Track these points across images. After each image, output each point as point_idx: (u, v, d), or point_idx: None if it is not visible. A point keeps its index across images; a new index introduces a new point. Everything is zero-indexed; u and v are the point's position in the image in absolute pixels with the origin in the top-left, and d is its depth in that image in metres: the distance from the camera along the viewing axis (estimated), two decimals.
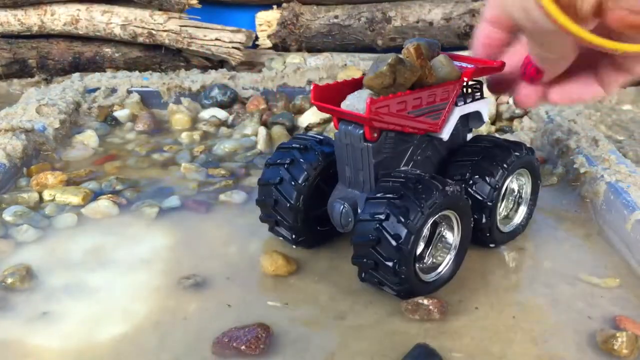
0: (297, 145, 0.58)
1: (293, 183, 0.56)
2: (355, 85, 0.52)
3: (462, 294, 0.54)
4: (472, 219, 0.55)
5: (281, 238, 0.61)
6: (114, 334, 0.49)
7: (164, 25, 1.14)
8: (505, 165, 0.57)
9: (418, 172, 0.53)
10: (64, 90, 0.98)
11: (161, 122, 0.97)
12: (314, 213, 0.58)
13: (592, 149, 0.75)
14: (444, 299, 0.52)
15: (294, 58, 1.22)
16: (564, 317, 0.52)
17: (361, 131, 0.50)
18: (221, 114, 0.98)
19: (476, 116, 0.58)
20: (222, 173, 0.78)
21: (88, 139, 0.88)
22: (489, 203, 0.57)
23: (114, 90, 1.00)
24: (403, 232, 0.48)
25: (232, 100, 1.00)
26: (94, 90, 1.00)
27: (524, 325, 0.51)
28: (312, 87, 0.50)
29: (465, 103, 0.56)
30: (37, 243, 0.62)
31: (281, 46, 1.26)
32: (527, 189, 0.63)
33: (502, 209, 0.61)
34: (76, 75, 1.08)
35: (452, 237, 0.54)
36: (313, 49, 1.26)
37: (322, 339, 0.49)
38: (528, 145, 0.66)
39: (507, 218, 0.62)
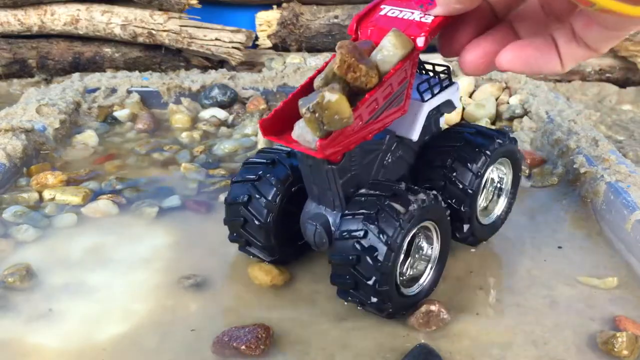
0: (264, 160, 0.54)
1: (262, 201, 0.52)
2: (303, 95, 0.44)
3: (462, 295, 0.54)
4: (450, 226, 0.52)
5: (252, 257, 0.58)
6: (114, 334, 0.49)
7: (164, 25, 1.14)
8: (487, 152, 0.54)
9: (393, 183, 0.49)
10: (64, 90, 0.97)
11: (161, 122, 0.97)
12: (287, 230, 0.54)
13: (592, 149, 0.75)
14: (444, 301, 0.52)
15: (294, 58, 1.22)
16: (564, 318, 0.52)
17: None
18: (221, 114, 0.98)
19: (447, 103, 0.54)
20: (222, 173, 0.78)
21: (88, 138, 0.88)
22: (469, 191, 0.54)
23: (114, 90, 1.00)
24: (383, 249, 0.45)
25: (232, 100, 1.00)
26: (94, 90, 1.00)
27: (524, 326, 0.51)
28: (258, 123, 0.45)
29: (432, 95, 0.52)
30: (37, 242, 0.62)
31: (281, 46, 1.26)
32: (508, 180, 0.61)
33: (481, 200, 0.59)
34: (76, 75, 1.07)
35: (431, 246, 0.52)
36: (313, 49, 1.26)
37: (322, 339, 0.49)
38: (529, 142, 0.65)
39: (487, 210, 0.61)
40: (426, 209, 0.47)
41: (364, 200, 0.47)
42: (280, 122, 0.45)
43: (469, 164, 0.54)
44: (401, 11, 0.44)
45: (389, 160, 0.52)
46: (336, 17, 1.23)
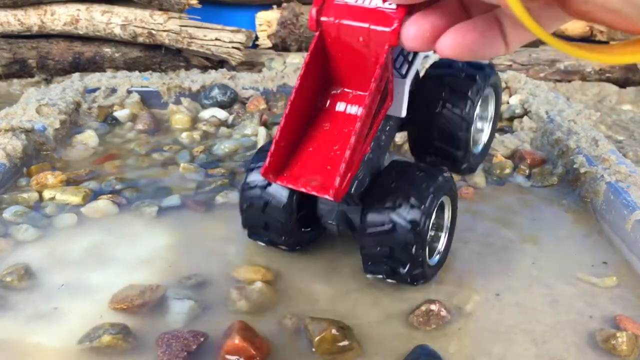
0: None
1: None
2: (295, 123, 0.43)
3: (462, 295, 0.54)
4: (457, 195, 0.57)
5: (262, 244, 0.60)
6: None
7: (164, 25, 1.14)
8: (478, 81, 0.56)
9: (413, 162, 0.55)
10: (64, 90, 0.98)
11: (161, 122, 0.97)
12: (300, 213, 0.57)
13: (592, 149, 0.75)
14: (444, 300, 0.52)
15: (294, 58, 1.22)
16: (564, 317, 0.52)
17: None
18: (221, 114, 0.98)
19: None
20: (222, 172, 0.78)
21: (88, 138, 0.88)
22: (467, 116, 0.56)
23: (114, 90, 1.00)
24: (418, 215, 0.49)
25: (232, 100, 1.00)
26: (94, 90, 1.00)
27: (524, 325, 0.51)
28: (261, 169, 0.43)
29: (409, 66, 0.51)
30: (37, 242, 0.62)
31: (281, 46, 1.26)
32: (491, 110, 0.63)
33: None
34: (76, 75, 1.08)
35: (445, 218, 0.57)
36: None
37: None
38: (529, 142, 0.66)
39: (473, 141, 0.62)
40: (448, 183, 0.53)
41: (392, 177, 0.52)
42: (281, 161, 0.44)
43: (464, 91, 0.56)
44: None
45: (384, 138, 0.55)
46: None
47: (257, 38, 1.27)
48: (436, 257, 0.56)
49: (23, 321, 0.51)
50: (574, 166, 0.73)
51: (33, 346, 0.48)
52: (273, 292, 0.54)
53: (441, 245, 0.57)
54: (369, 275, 0.55)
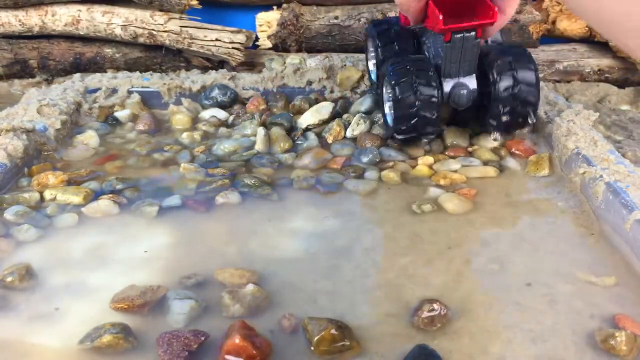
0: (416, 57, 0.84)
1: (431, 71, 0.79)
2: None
3: (461, 294, 0.55)
4: None
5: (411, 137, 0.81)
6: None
7: (164, 26, 1.14)
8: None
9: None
10: (65, 91, 0.98)
11: (162, 122, 0.97)
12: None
13: (591, 149, 0.75)
14: (444, 300, 0.52)
15: (294, 59, 1.22)
16: (563, 316, 0.52)
17: (474, 33, 0.72)
18: (221, 114, 0.98)
19: None
20: (222, 172, 0.78)
21: (89, 139, 0.88)
22: None
23: (114, 91, 1.01)
24: (532, 72, 0.79)
25: (232, 101, 1.00)
26: (95, 90, 1.00)
27: (523, 325, 0.51)
28: (439, 16, 0.67)
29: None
30: (38, 242, 0.63)
31: (281, 47, 1.26)
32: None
33: None
34: (77, 75, 1.08)
35: None
36: (313, 50, 1.26)
37: None
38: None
39: None
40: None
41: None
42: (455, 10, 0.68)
43: None
44: None
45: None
46: (336, 17, 1.23)
47: (257, 39, 1.27)
48: None
49: (24, 321, 0.51)
50: (573, 166, 0.73)
51: (34, 346, 0.48)
52: (267, 292, 0.54)
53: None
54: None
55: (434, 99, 0.77)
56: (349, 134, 0.90)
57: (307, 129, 0.92)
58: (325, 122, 0.93)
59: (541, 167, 0.78)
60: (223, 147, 0.86)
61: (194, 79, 1.03)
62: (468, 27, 0.70)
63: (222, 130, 0.93)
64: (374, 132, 0.89)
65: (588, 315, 0.52)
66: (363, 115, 0.92)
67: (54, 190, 0.71)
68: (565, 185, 0.74)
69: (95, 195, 0.71)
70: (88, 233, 0.64)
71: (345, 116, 0.94)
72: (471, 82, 0.79)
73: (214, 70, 1.09)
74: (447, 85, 0.79)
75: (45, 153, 0.82)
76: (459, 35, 0.72)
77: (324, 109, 0.94)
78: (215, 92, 1.00)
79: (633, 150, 0.92)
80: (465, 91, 0.78)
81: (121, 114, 0.97)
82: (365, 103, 0.96)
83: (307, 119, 0.93)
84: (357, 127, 0.90)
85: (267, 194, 0.72)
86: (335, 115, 0.94)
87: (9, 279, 0.55)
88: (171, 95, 1.01)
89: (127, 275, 0.57)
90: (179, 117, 0.96)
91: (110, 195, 0.71)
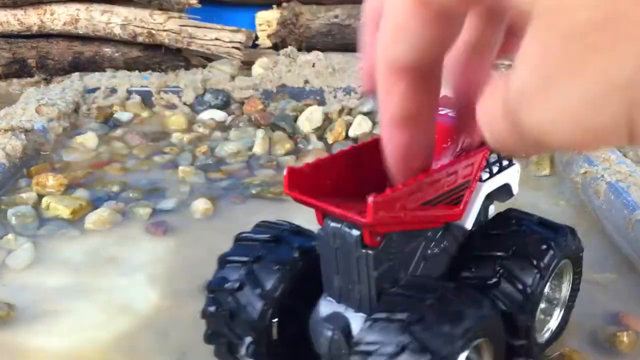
0: (265, 237, 0.42)
1: (258, 290, 0.39)
2: (346, 162, 0.36)
3: None
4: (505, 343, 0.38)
5: None
6: (114, 336, 0.49)
7: (163, 25, 1.14)
8: (556, 248, 0.42)
9: (442, 284, 0.38)
10: (64, 90, 0.97)
11: (161, 123, 0.96)
12: (284, 332, 0.41)
13: None
14: None
15: (292, 57, 1.22)
16: None
17: (357, 233, 0.34)
18: (219, 115, 0.98)
19: (503, 188, 0.44)
20: (220, 175, 0.78)
21: (87, 139, 0.88)
22: (530, 292, 0.40)
23: (113, 91, 1.00)
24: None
25: (225, 104, 1.00)
26: (94, 90, 1.00)
27: None
28: (285, 172, 0.34)
29: (491, 175, 0.42)
30: (38, 244, 0.62)
31: (281, 46, 1.26)
32: (564, 287, 0.47)
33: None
34: (76, 75, 1.07)
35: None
36: (313, 49, 1.26)
37: None
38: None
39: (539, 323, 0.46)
40: (485, 323, 0.35)
41: (403, 301, 0.34)
42: (306, 181, 0.34)
43: (532, 258, 0.40)
44: None
45: (433, 251, 0.40)
46: (336, 16, 1.23)
47: (257, 38, 1.27)
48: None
49: (22, 324, 0.51)
50: (574, 166, 0.73)
51: (33, 347, 0.48)
52: None
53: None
54: None
55: None
56: (350, 134, 0.89)
57: (307, 130, 0.92)
58: (326, 122, 0.93)
59: (542, 167, 0.78)
60: (221, 148, 0.85)
61: (192, 79, 1.02)
62: None
63: (221, 131, 0.93)
64: (376, 132, 0.89)
65: (591, 314, 0.52)
66: (364, 115, 0.92)
67: (52, 197, 0.69)
68: (566, 185, 0.74)
69: (94, 199, 0.70)
70: (86, 236, 0.64)
71: (346, 117, 0.94)
72: (354, 322, 0.38)
73: (212, 71, 1.09)
74: (319, 307, 0.41)
75: (44, 153, 0.82)
76: (332, 225, 0.36)
77: (324, 109, 0.94)
78: (208, 97, 1.00)
79: (634, 150, 0.92)
80: (330, 333, 0.38)
81: (120, 115, 0.96)
82: (366, 103, 0.95)
83: (307, 119, 0.93)
84: (358, 127, 0.89)
85: (268, 196, 0.72)
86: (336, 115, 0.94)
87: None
88: (168, 95, 1.01)
89: (126, 278, 0.57)
90: (177, 119, 0.96)
91: (108, 198, 0.71)
